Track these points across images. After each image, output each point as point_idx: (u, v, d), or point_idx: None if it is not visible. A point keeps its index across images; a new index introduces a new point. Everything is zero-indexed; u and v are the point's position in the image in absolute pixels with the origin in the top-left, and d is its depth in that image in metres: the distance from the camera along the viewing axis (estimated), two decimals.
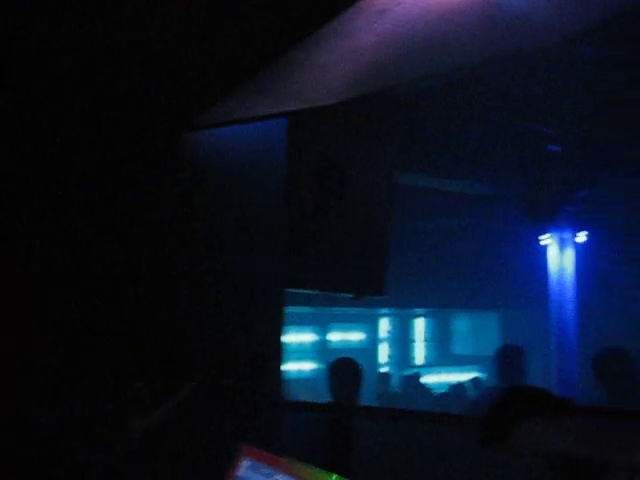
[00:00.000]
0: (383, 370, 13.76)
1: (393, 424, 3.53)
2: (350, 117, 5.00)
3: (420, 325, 16.09)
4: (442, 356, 15.80)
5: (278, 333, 4.44)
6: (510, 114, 6.18)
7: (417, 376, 11.82)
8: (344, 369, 4.90)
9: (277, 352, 4.44)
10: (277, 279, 4.40)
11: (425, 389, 11.50)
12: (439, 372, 14.71)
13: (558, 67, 5.52)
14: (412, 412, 5.04)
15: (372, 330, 15.45)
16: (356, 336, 15.15)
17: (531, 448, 1.80)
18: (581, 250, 7.76)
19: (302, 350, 14.54)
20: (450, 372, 14.61)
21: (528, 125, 6.31)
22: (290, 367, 14.10)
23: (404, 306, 13.58)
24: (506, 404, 1.86)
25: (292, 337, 14.36)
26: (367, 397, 7.29)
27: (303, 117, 4.68)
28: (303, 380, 12.88)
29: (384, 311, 14.99)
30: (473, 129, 6.32)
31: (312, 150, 5.07)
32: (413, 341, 16.09)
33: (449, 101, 5.90)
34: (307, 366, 14.42)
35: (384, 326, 15.67)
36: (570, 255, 7.60)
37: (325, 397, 4.53)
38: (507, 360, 5.42)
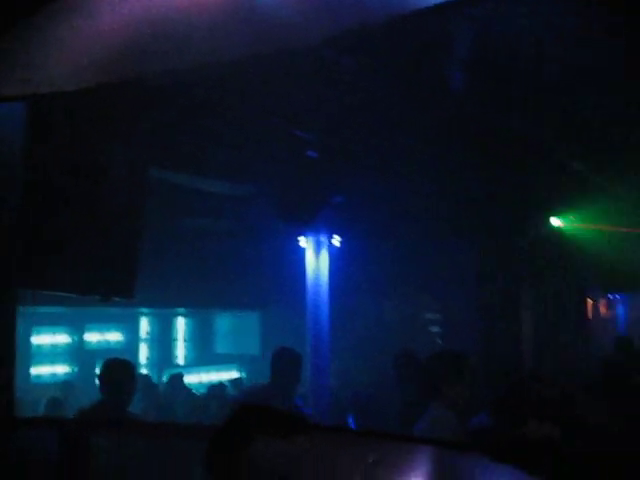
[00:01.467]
0: (143, 371, 13.37)
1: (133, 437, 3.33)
2: (102, 105, 4.66)
3: (181, 324, 15.87)
4: (204, 356, 15.72)
5: (9, 337, 3.98)
6: (270, 116, 6.20)
7: (180, 376, 11.61)
8: (117, 370, 4.70)
9: (8, 359, 3.98)
10: (8, 279, 3.95)
11: (187, 389, 11.34)
12: (200, 372, 14.63)
13: (319, 74, 5.63)
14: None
15: (132, 330, 14.93)
16: (115, 336, 14.54)
17: (264, 466, 1.72)
18: (335, 253, 8.12)
19: (55, 352, 13.72)
20: (212, 371, 14.61)
21: (288, 129, 6.38)
22: (42, 370, 13.19)
23: (165, 305, 13.27)
24: (237, 422, 1.75)
25: (45, 339, 13.45)
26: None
27: (48, 102, 4.26)
28: (53, 385, 12.06)
29: (144, 310, 14.54)
30: (234, 129, 6.25)
31: (59, 141, 4.65)
32: (175, 340, 15.84)
33: (210, 98, 5.77)
34: (61, 369, 13.60)
35: (144, 326, 15.22)
36: (325, 258, 7.90)
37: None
38: (281, 362, 5.60)
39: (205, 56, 3.50)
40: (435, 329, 11.47)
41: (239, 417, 1.71)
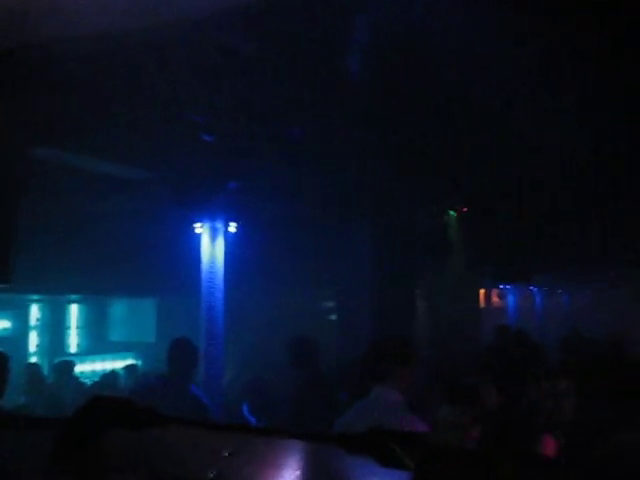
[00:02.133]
0: (32, 360, 12.85)
1: None
2: None
3: (75, 311, 15.34)
4: (98, 343, 15.27)
5: None
6: (165, 98, 6.02)
7: (68, 364, 11.18)
8: None
9: None
10: None
11: (75, 378, 10.96)
12: (94, 360, 14.22)
13: (216, 57, 5.51)
14: None
15: (21, 317, 14.31)
16: (2, 324, 13.90)
17: (115, 459, 1.65)
18: (232, 240, 8.01)
19: None
20: (106, 360, 14.21)
21: (182, 112, 6.23)
22: None
23: (56, 292, 12.77)
24: (88, 413, 1.67)
25: None
26: (13, 391, 6.66)
27: None
28: None
29: (35, 297, 13.96)
30: (127, 110, 6.04)
31: None
32: (68, 328, 15.30)
33: (101, 77, 5.54)
34: None
35: (34, 313, 14.62)
36: (221, 245, 7.78)
37: None
38: (178, 353, 5.62)
39: (93, 27, 3.36)
40: (333, 317, 11.57)
41: (90, 408, 1.62)
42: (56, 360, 12.88)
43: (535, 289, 18.80)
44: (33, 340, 14.51)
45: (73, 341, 15.37)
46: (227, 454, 1.47)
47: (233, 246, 7.96)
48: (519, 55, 4.72)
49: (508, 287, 17.21)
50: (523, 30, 4.24)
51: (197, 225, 7.82)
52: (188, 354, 5.72)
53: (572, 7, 4.02)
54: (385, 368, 4.18)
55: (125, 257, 9.77)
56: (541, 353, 8.13)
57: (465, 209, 9.83)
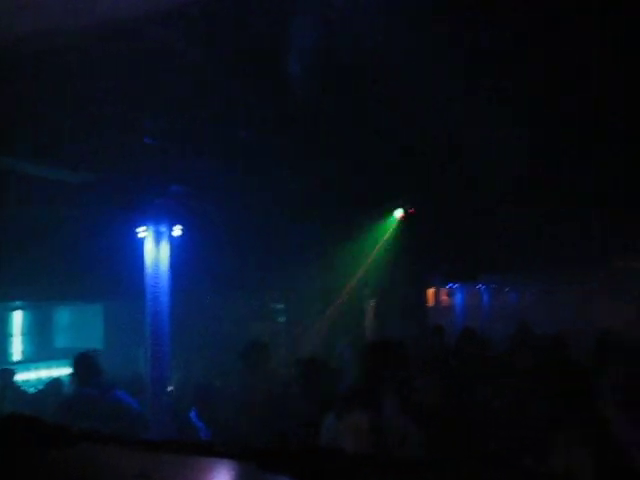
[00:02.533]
0: None
1: None
2: None
3: (18, 318, 14.95)
4: (43, 351, 14.91)
5: None
6: (107, 101, 5.92)
7: (9, 372, 10.87)
8: None
9: None
10: None
11: (16, 387, 10.66)
12: (39, 367, 13.86)
13: (158, 60, 5.45)
14: None
15: None
16: None
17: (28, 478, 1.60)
18: (178, 244, 7.91)
19: None
20: (51, 367, 13.87)
21: (125, 115, 6.13)
22: None
23: None
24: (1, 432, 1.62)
25: None
26: None
27: None
28: None
29: None
30: (69, 113, 5.93)
31: None
32: (11, 336, 14.90)
33: (42, 80, 5.42)
34: None
35: None
36: (166, 249, 7.68)
37: None
38: (83, 365, 5.83)
39: (28, 27, 3.28)
40: (282, 319, 11.55)
41: (3, 427, 1.57)
42: None
43: (483, 287, 19.10)
44: None
45: (17, 349, 14.97)
46: (137, 473, 1.43)
47: (178, 249, 7.86)
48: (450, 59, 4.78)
49: (456, 286, 17.44)
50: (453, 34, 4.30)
51: (141, 229, 7.70)
52: (89, 365, 6.06)
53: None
54: (383, 370, 4.18)
55: (69, 263, 9.57)
56: (487, 350, 8.25)
57: (412, 210, 9.92)
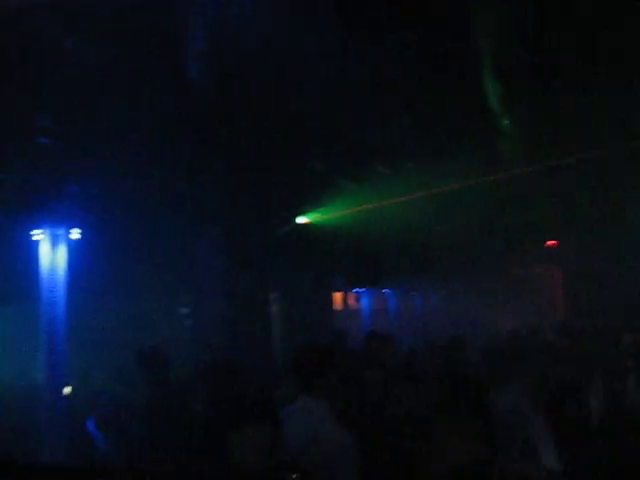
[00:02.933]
0: None
1: None
2: None
3: None
4: None
5: None
6: (2, 100, 5.68)
7: None
8: None
9: None
10: None
11: None
12: None
13: (55, 58, 5.28)
14: None
15: None
16: None
17: None
18: (77, 247, 7.67)
19: None
20: None
21: (20, 113, 5.89)
22: None
23: None
24: None
25: None
26: None
27: None
28: None
29: None
30: None
31: None
32: None
33: None
34: None
35: None
36: (63, 252, 7.43)
37: None
38: None
39: None
40: (188, 322, 11.36)
41: None
42: None
43: (388, 292, 19.45)
44: None
45: None
46: None
47: (76, 253, 7.62)
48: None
49: (362, 290, 17.69)
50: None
51: (37, 232, 7.42)
52: None
53: None
54: (313, 377, 4.13)
55: None
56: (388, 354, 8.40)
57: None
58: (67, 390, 7.86)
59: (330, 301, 13.37)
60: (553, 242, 15.60)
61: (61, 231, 7.38)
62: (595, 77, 6.18)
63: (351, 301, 18.34)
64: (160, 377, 6.88)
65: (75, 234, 7.59)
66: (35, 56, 5.24)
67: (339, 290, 16.06)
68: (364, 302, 18.26)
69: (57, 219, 7.31)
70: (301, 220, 9.97)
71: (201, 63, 4.82)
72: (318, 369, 4.17)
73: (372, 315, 17.99)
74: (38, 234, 7.43)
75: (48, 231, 7.37)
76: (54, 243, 7.41)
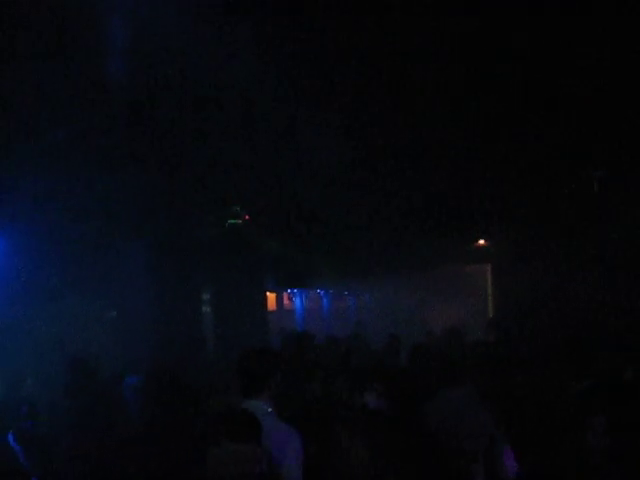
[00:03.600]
0: None
1: None
2: None
3: None
4: None
5: None
6: None
7: None
8: None
9: None
10: None
11: None
12: None
13: None
14: None
15: None
16: None
17: None
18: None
19: None
20: None
21: None
22: None
23: None
24: None
25: None
26: None
27: None
28: None
29: None
30: None
31: None
32: None
33: None
34: None
35: None
36: None
37: None
38: None
39: None
40: (115, 329, 11.05)
41: None
42: None
43: (322, 292, 19.48)
44: None
45: None
46: None
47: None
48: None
49: (295, 291, 17.66)
50: None
51: None
52: None
53: None
54: (259, 381, 4.13)
55: None
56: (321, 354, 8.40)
57: (247, 217, 9.88)
58: None
59: (264, 300, 13.27)
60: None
61: None
62: None
63: (287, 301, 18.28)
64: (85, 387, 6.66)
65: None
66: None
67: (272, 290, 15.96)
68: (298, 302, 18.22)
69: None
70: (233, 220, 9.84)
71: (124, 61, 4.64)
72: (265, 372, 4.17)
73: (305, 315, 17.98)
74: None
75: None
76: None
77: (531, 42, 5.13)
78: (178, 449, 4.49)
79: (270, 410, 4.09)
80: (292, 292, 17.71)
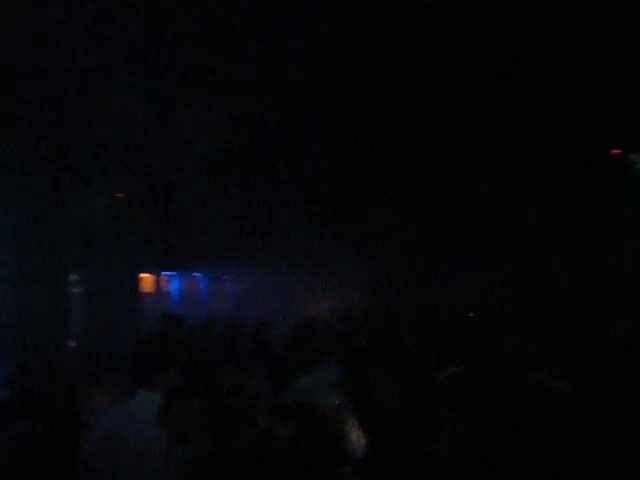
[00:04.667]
0: None
1: None
2: None
3: None
4: None
5: None
6: None
7: None
8: None
9: None
10: None
11: None
12: None
13: None
14: None
15: None
16: None
17: None
18: None
19: None
20: None
21: None
22: None
23: None
24: None
25: None
26: None
27: None
28: None
29: None
30: None
31: None
32: None
33: None
34: None
35: None
36: None
37: None
38: None
39: None
40: None
41: None
42: None
43: (200, 275, 19.30)
44: None
45: None
46: None
47: None
48: None
49: (173, 273, 17.41)
50: None
51: None
52: None
53: None
54: (152, 370, 3.94)
55: None
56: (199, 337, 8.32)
57: (121, 195, 9.62)
58: None
59: (138, 283, 12.97)
60: None
61: None
62: None
63: (162, 284, 17.97)
64: None
65: None
66: None
67: (148, 273, 15.64)
68: (175, 285, 17.97)
69: None
70: (105, 200, 9.57)
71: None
72: (160, 360, 4.00)
73: (182, 298, 17.77)
74: None
75: None
76: None
77: None
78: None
79: (156, 399, 3.87)
80: (169, 275, 17.44)
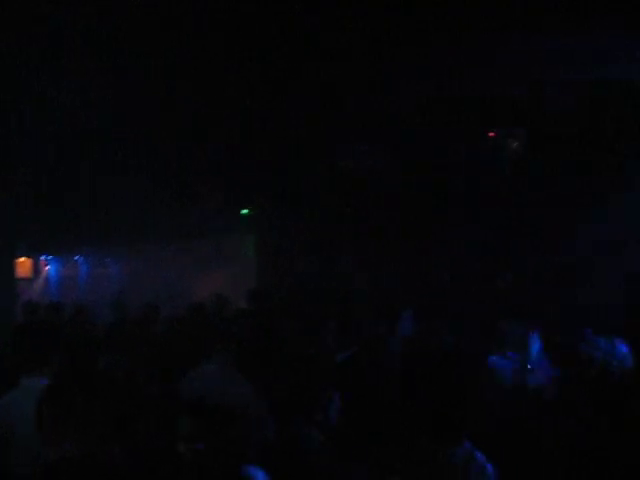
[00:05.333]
0: None
1: None
2: None
3: None
4: None
5: None
6: None
7: None
8: None
9: None
10: None
11: None
12: None
13: None
14: None
15: None
16: None
17: None
18: None
19: None
20: None
21: None
22: None
23: None
24: None
25: None
26: None
27: None
28: None
29: None
30: None
31: None
32: None
33: None
34: None
35: None
36: None
37: None
38: None
39: None
40: None
41: None
42: None
43: (81, 259, 18.68)
44: None
45: None
46: None
47: None
48: None
49: (52, 257, 16.81)
50: None
51: None
52: None
53: None
54: (39, 355, 3.83)
55: None
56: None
57: None
58: None
59: (13, 267, 12.40)
60: None
61: None
62: None
63: (44, 267, 17.31)
64: None
65: None
66: None
67: (24, 256, 15.02)
68: (54, 269, 17.33)
69: None
70: None
71: None
72: (46, 346, 3.90)
73: (61, 282, 17.18)
74: None
75: None
76: None
77: None
78: None
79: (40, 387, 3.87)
80: (47, 258, 16.80)
